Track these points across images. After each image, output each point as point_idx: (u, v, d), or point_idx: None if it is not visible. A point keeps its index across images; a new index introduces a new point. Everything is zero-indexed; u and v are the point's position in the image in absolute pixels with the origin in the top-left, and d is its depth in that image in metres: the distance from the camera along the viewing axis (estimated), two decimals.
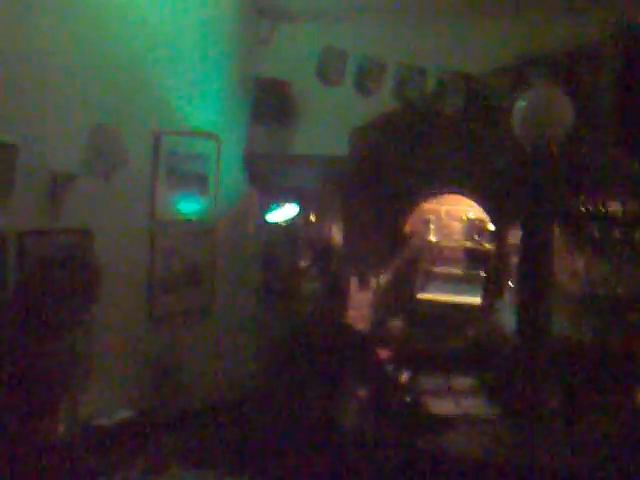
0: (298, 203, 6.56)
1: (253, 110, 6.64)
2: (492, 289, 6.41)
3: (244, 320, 6.52)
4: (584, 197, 5.86)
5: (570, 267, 6.07)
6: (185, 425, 5.36)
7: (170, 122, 5.98)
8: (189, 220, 6.17)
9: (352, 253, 6.48)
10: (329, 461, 4.66)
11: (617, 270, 5.79)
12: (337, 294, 5.00)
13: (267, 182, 6.68)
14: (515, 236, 6.25)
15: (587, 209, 5.89)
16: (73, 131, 5.13)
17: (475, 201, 6.51)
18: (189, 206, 6.16)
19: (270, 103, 6.62)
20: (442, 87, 6.09)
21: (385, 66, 6.06)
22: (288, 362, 4.99)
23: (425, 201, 6.72)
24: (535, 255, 5.53)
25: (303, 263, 6.43)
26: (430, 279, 6.79)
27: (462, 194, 6.58)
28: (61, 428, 3.96)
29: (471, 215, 6.79)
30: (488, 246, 6.64)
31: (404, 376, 5.78)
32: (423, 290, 6.75)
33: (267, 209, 6.54)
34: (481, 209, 6.54)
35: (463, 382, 5.75)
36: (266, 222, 6.55)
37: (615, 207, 5.93)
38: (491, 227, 6.59)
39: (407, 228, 6.74)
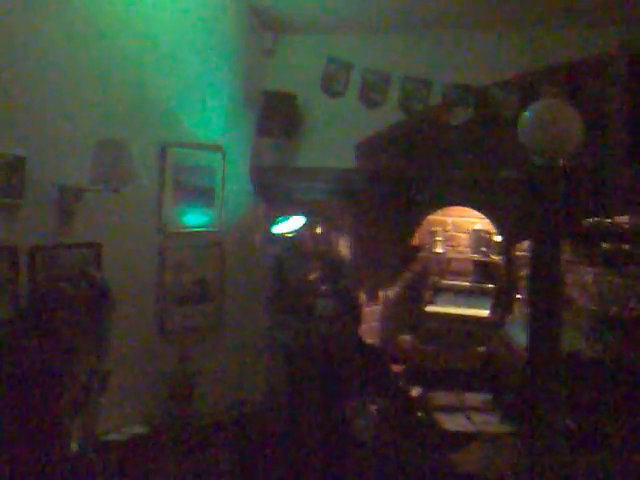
0: (305, 215, 6.53)
1: (258, 122, 6.61)
2: (501, 302, 6.40)
3: (254, 334, 6.49)
4: (594, 211, 5.85)
5: (580, 281, 6.06)
6: (198, 440, 5.32)
7: (176, 135, 5.95)
8: (197, 233, 6.15)
9: (360, 266, 6.46)
10: (342, 474, 4.63)
11: (627, 285, 5.78)
12: (352, 309, 4.97)
13: (273, 194, 6.65)
14: (523, 248, 6.26)
15: (597, 223, 5.89)
16: (81, 145, 5.11)
17: (482, 213, 6.50)
18: (196, 218, 6.13)
19: (275, 115, 6.59)
20: (448, 99, 6.07)
21: (390, 78, 6.05)
22: (301, 377, 4.97)
23: (432, 213, 6.71)
24: (544, 268, 5.51)
25: (312, 276, 6.40)
26: (439, 292, 6.77)
27: (469, 206, 6.57)
28: (75, 444, 3.92)
29: (478, 227, 6.78)
30: (496, 258, 6.63)
31: (416, 391, 5.76)
32: (432, 303, 6.74)
33: (274, 221, 6.51)
34: (488, 221, 6.53)
35: (476, 398, 5.74)
36: (273, 235, 6.51)
37: (624, 221, 5.93)
38: (498, 239, 6.58)
39: (415, 241, 6.72)
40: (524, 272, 6.22)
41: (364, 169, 6.45)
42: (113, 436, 4.86)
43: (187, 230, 6.07)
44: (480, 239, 6.76)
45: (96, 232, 5.25)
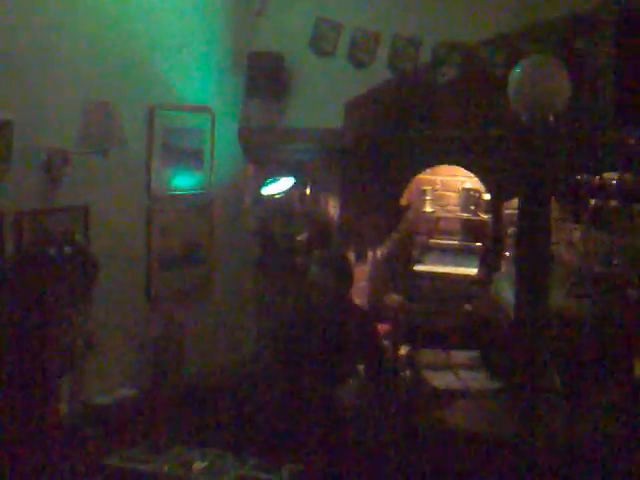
0: (294, 176, 6.53)
1: (247, 83, 6.57)
2: (489, 260, 6.42)
3: (243, 297, 6.51)
4: (582, 168, 5.86)
5: (567, 238, 6.09)
6: (186, 404, 5.36)
7: (164, 97, 5.93)
8: (185, 195, 6.14)
9: (349, 226, 6.47)
10: (330, 438, 4.67)
11: (613, 242, 5.80)
12: (342, 271, 4.98)
13: (262, 155, 6.64)
14: (511, 206, 6.27)
15: (584, 180, 5.90)
16: (68, 108, 5.10)
17: (471, 171, 6.50)
18: (185, 181, 6.12)
19: (264, 76, 6.55)
20: (436, 58, 6.05)
21: (378, 37, 6.03)
22: (289, 339, 4.99)
23: (421, 172, 6.71)
24: (532, 226, 5.52)
25: (300, 237, 6.42)
26: (427, 251, 6.80)
27: (458, 165, 6.57)
28: (64, 408, 3.95)
29: (467, 185, 6.79)
30: (485, 216, 6.65)
31: (403, 350, 5.80)
32: (420, 262, 6.76)
33: (262, 183, 6.51)
34: (477, 179, 6.53)
35: (463, 356, 5.77)
36: (262, 196, 6.51)
37: (612, 178, 5.94)
38: (487, 197, 6.59)
39: (403, 200, 6.73)
40: (512, 230, 6.24)
41: (352, 129, 6.43)
42: (101, 399, 4.89)
43: (175, 193, 6.07)
44: (469, 198, 6.77)
45: (83, 196, 5.25)
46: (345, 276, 5.01)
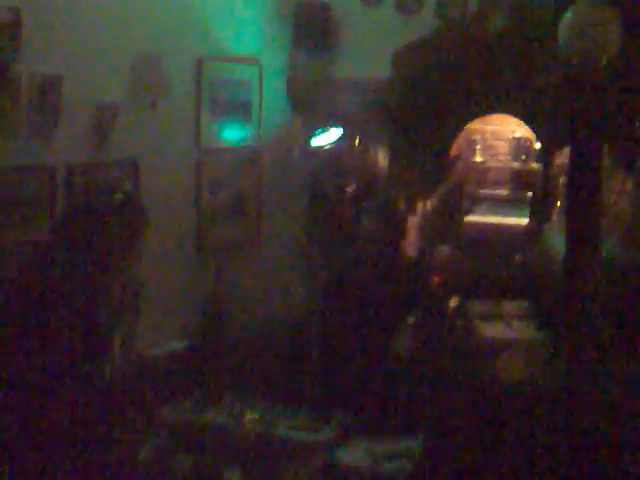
0: (342, 127, 6.50)
1: (294, 34, 6.55)
2: (540, 210, 6.36)
3: (293, 249, 6.53)
4: (634, 115, 5.75)
5: (619, 187, 6.00)
6: (237, 355, 5.41)
7: (212, 48, 5.93)
8: (234, 148, 6.16)
9: (398, 177, 6.44)
10: (383, 390, 4.69)
11: None
12: (393, 220, 4.97)
13: (310, 107, 6.62)
14: (563, 155, 6.19)
15: (637, 128, 5.79)
16: (117, 62, 5.12)
17: (522, 120, 6.42)
18: (234, 133, 6.14)
19: (311, 26, 6.53)
20: (485, 5, 5.96)
21: None
22: (339, 290, 5.00)
23: (471, 122, 6.64)
24: (584, 175, 5.45)
25: (350, 189, 6.40)
26: (477, 202, 6.75)
27: (508, 113, 6.49)
28: (117, 360, 4.00)
29: (518, 135, 6.71)
30: (535, 166, 6.57)
31: (454, 301, 5.79)
32: (470, 213, 6.72)
33: (311, 134, 6.49)
34: (528, 128, 6.45)
35: (513, 305, 5.75)
36: (311, 148, 6.50)
37: None
38: (538, 146, 6.51)
39: (453, 150, 6.67)
40: (563, 180, 6.16)
41: (400, 78, 6.38)
42: (152, 351, 4.96)
43: (224, 145, 6.09)
44: (520, 147, 6.70)
45: (133, 149, 5.28)
46: (396, 225, 5.00)
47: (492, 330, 5.43)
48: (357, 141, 6.55)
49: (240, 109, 6.22)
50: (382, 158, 6.51)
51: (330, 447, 4.18)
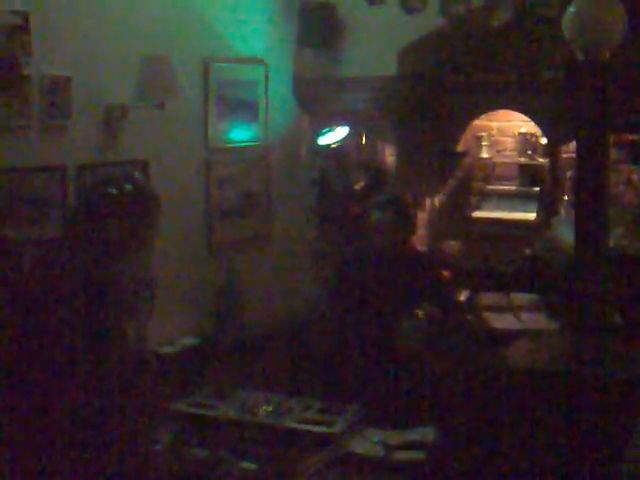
0: (349, 125, 6.54)
1: (299, 33, 6.59)
2: (547, 204, 6.39)
3: (301, 246, 6.57)
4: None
5: (626, 179, 6.03)
6: (248, 350, 5.45)
7: (218, 49, 5.98)
8: (242, 147, 6.20)
9: (405, 174, 6.48)
10: (392, 381, 4.71)
11: None
12: (403, 213, 4.99)
13: (317, 106, 6.66)
14: (569, 149, 6.22)
15: None
16: (124, 62, 5.17)
17: (527, 115, 6.45)
18: (241, 133, 6.19)
19: (316, 26, 6.56)
20: (489, 1, 5.99)
21: None
22: (349, 285, 5.02)
23: (477, 118, 6.67)
24: (590, 167, 5.48)
25: (358, 186, 6.44)
26: (484, 197, 6.77)
27: (514, 109, 6.52)
28: (129, 355, 4.01)
29: (523, 130, 6.73)
30: (542, 161, 6.60)
31: (464, 295, 5.82)
32: (478, 208, 6.75)
33: (318, 133, 6.53)
34: (533, 123, 6.48)
35: (523, 298, 5.78)
36: (318, 146, 6.54)
37: None
38: (544, 141, 6.54)
39: (459, 147, 6.70)
40: (570, 174, 6.19)
41: (407, 76, 6.42)
42: (165, 348, 4.99)
43: (232, 145, 6.14)
44: (526, 142, 6.71)
45: (142, 149, 5.33)
46: (407, 218, 5.02)
47: (501, 322, 5.47)
48: (364, 139, 6.59)
49: (247, 109, 6.26)
50: (389, 155, 6.55)
51: (343, 439, 4.20)
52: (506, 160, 6.83)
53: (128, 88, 5.17)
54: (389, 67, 6.39)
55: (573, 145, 5.91)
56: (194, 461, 4.02)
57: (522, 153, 6.74)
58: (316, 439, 4.18)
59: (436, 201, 6.65)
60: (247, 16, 6.24)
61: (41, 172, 4.74)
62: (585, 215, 5.38)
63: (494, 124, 6.89)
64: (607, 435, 4.02)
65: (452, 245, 6.43)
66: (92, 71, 5.00)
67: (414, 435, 4.18)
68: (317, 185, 6.56)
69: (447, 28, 6.23)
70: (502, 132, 6.90)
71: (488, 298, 5.80)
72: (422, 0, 6.11)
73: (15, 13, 4.58)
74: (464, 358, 4.87)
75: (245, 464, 3.98)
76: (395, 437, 4.16)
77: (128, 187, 3.76)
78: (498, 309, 5.67)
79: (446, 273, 5.86)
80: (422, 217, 6.39)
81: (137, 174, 4.31)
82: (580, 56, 5.27)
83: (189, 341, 5.30)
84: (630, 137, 6.01)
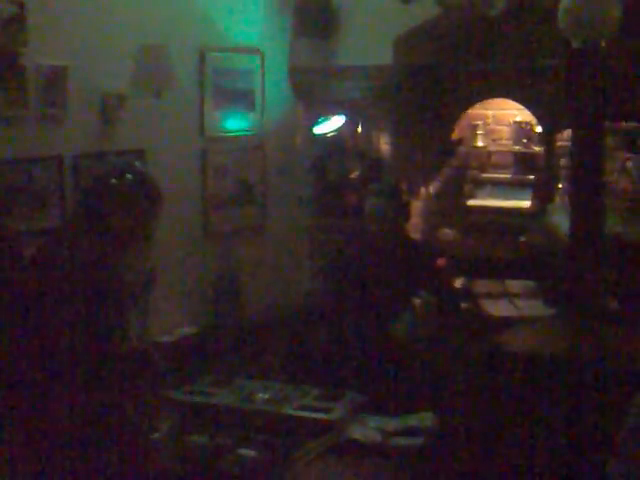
0: (345, 114, 6.55)
1: (295, 22, 6.59)
2: (542, 192, 6.41)
3: (298, 235, 6.59)
4: (635, 95, 5.79)
5: (621, 166, 6.05)
6: (246, 339, 5.48)
7: (213, 38, 5.98)
8: (238, 136, 6.22)
9: (401, 162, 6.49)
10: (388, 370, 4.73)
11: None
12: (399, 206, 5.00)
13: (312, 95, 6.67)
14: (564, 137, 6.24)
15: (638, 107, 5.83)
16: (121, 52, 5.17)
17: (522, 104, 6.47)
18: (237, 122, 6.20)
19: (312, 14, 6.57)
20: None
21: None
22: (345, 273, 5.04)
23: (472, 107, 6.68)
24: (586, 155, 5.51)
25: (353, 175, 6.46)
26: (480, 185, 6.79)
27: (509, 97, 6.54)
28: (132, 343, 4.02)
29: (519, 119, 6.75)
30: (537, 149, 6.62)
31: (460, 282, 5.85)
32: (473, 197, 6.77)
33: (314, 122, 6.55)
34: (529, 112, 6.49)
35: (519, 285, 5.81)
36: (314, 135, 6.55)
37: None
38: (539, 129, 6.55)
39: (454, 135, 6.72)
40: (565, 162, 6.22)
41: (402, 65, 6.43)
42: (163, 337, 5.01)
43: (228, 134, 6.15)
44: (521, 131, 6.73)
45: (138, 138, 5.34)
46: (402, 206, 5.03)
47: (498, 308, 5.51)
48: (360, 127, 6.60)
49: (243, 98, 6.27)
50: (385, 144, 6.56)
51: (341, 425, 4.23)
52: (501, 148, 6.84)
53: (124, 77, 5.18)
54: (385, 56, 6.40)
55: (568, 133, 5.95)
56: (193, 449, 4.06)
57: (517, 141, 6.75)
58: (314, 426, 4.21)
59: (431, 189, 6.67)
60: (243, 5, 6.24)
61: (38, 162, 4.75)
62: (581, 202, 5.41)
63: (489, 112, 6.90)
64: (601, 424, 4.05)
65: (448, 233, 6.46)
66: (88, 61, 5.00)
67: (412, 421, 4.21)
68: (313, 174, 6.57)
69: (443, 17, 6.23)
70: (497, 121, 6.91)
71: (484, 285, 5.83)
72: None
73: (11, 3, 4.59)
74: (461, 345, 4.90)
75: (244, 451, 4.01)
76: (393, 423, 4.19)
77: (129, 177, 3.77)
78: (494, 296, 5.70)
79: (442, 261, 5.88)
80: (417, 205, 6.41)
81: (138, 164, 4.31)
82: (575, 44, 5.29)
83: (187, 330, 5.33)
84: (625, 124, 6.02)
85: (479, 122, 6.86)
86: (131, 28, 5.26)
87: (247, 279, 6.07)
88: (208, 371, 4.90)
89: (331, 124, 6.55)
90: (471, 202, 6.73)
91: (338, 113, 6.57)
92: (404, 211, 5.08)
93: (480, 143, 6.86)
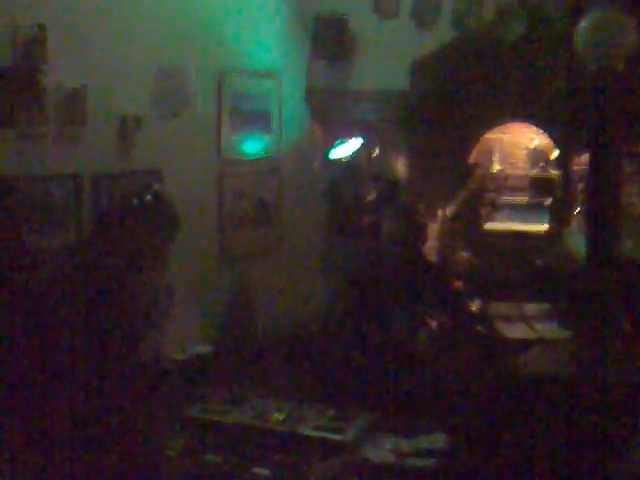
0: (362, 137, 6.57)
1: (312, 46, 6.64)
2: (559, 216, 6.40)
3: (314, 257, 6.59)
4: None
5: (638, 188, 6.04)
6: (259, 358, 5.47)
7: (232, 62, 6.02)
8: (255, 159, 6.24)
9: (417, 186, 6.50)
10: (407, 389, 4.73)
11: None
12: (416, 228, 5.02)
13: (329, 118, 6.70)
14: (581, 162, 6.24)
15: None
16: (140, 74, 5.21)
17: (539, 128, 6.48)
18: (254, 145, 6.23)
19: (329, 39, 6.61)
20: (501, 15, 6.02)
21: None
22: (361, 294, 5.05)
23: (489, 131, 6.70)
24: (603, 178, 5.51)
25: (370, 198, 6.46)
26: (496, 209, 6.79)
27: (526, 121, 6.55)
28: (147, 362, 4.03)
29: (536, 143, 6.76)
30: (554, 172, 6.63)
31: (476, 305, 5.83)
32: (490, 220, 6.77)
33: (331, 145, 6.57)
34: (546, 136, 6.51)
35: (535, 308, 5.79)
36: (330, 160, 6.57)
37: None
38: (555, 154, 6.56)
39: (471, 159, 6.73)
40: (582, 186, 6.22)
41: (419, 89, 6.46)
42: (177, 355, 5.01)
43: (245, 157, 6.17)
44: (538, 154, 6.75)
45: (156, 159, 5.37)
46: (418, 229, 5.05)
47: (514, 331, 5.48)
48: (376, 150, 6.62)
49: (260, 121, 6.30)
50: (401, 167, 6.58)
51: (356, 446, 4.22)
52: (518, 172, 6.86)
53: (143, 99, 5.22)
54: (401, 80, 6.43)
55: (585, 157, 5.96)
56: (207, 467, 4.06)
57: (534, 165, 6.77)
58: (329, 446, 4.21)
59: (448, 212, 6.67)
60: (261, 29, 6.29)
61: (56, 180, 4.78)
62: (596, 225, 5.41)
63: (506, 137, 6.92)
64: (615, 440, 4.03)
65: (465, 257, 6.45)
66: (107, 81, 5.03)
67: (425, 442, 4.21)
68: (327, 197, 6.58)
69: (459, 42, 6.27)
70: (514, 145, 6.93)
71: (500, 308, 5.82)
72: (434, 14, 6.13)
73: (33, 26, 4.64)
74: (476, 366, 4.88)
75: (258, 470, 4.01)
76: (406, 444, 4.19)
77: (149, 199, 3.81)
78: (510, 319, 5.68)
79: (458, 283, 5.89)
80: (434, 228, 6.41)
81: (157, 186, 4.36)
82: (593, 69, 5.31)
83: (201, 348, 5.32)
84: None
85: (495, 146, 6.88)
86: (150, 50, 5.29)
87: (262, 299, 6.07)
88: (221, 390, 4.90)
89: (348, 147, 6.56)
90: (488, 225, 6.73)
91: (355, 136, 6.58)
92: (421, 234, 5.09)
93: (497, 166, 6.87)
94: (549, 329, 5.51)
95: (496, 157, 6.87)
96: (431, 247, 6.18)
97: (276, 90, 6.40)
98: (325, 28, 6.61)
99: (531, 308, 5.81)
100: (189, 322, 5.41)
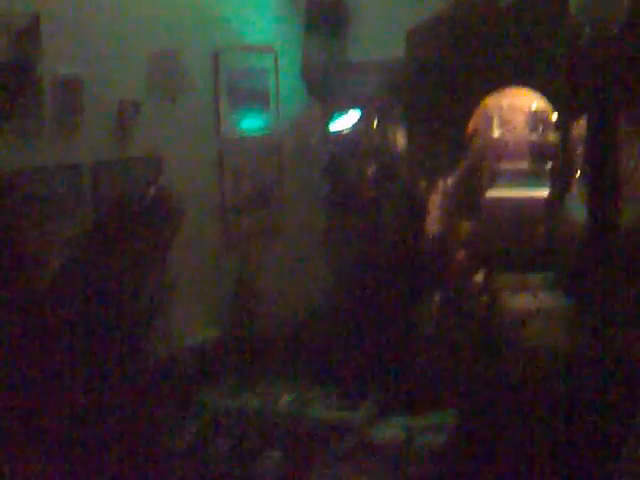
0: (360, 109, 6.55)
1: (307, 19, 6.60)
2: (560, 181, 6.38)
3: (315, 235, 6.60)
4: None
5: (638, 152, 6.02)
6: (266, 341, 5.50)
7: (227, 39, 5.99)
8: (254, 137, 6.23)
9: (417, 156, 6.49)
10: (413, 367, 4.75)
11: None
12: (416, 201, 5.02)
13: (327, 91, 6.67)
14: (580, 125, 6.21)
15: None
16: (135, 59, 5.19)
17: (538, 92, 6.44)
18: (253, 123, 6.21)
19: (323, 10, 6.58)
20: None
21: None
22: (365, 272, 5.06)
23: (487, 97, 6.67)
24: (602, 143, 5.49)
25: (370, 171, 6.46)
26: (496, 176, 6.77)
27: (524, 86, 6.51)
28: (156, 350, 4.06)
29: (534, 107, 6.71)
30: (553, 137, 6.59)
31: (479, 276, 5.83)
32: (490, 188, 6.74)
33: (330, 119, 6.55)
34: (545, 100, 6.47)
35: (538, 277, 5.79)
36: (330, 133, 6.56)
37: None
38: (556, 118, 6.53)
39: (470, 126, 6.70)
40: (582, 150, 6.18)
41: (415, 57, 6.42)
42: (185, 341, 5.05)
43: (244, 135, 6.16)
44: (536, 119, 6.70)
45: (155, 144, 5.36)
46: (418, 204, 5.05)
47: (517, 302, 5.48)
48: (375, 123, 6.60)
49: (258, 98, 6.28)
50: (401, 138, 6.56)
51: (365, 425, 4.26)
52: (517, 138, 6.80)
53: (139, 84, 5.21)
54: (397, 50, 6.39)
55: (584, 120, 5.92)
56: (218, 452, 4.10)
57: (533, 130, 6.72)
58: (338, 426, 4.25)
59: (449, 182, 6.65)
60: (254, 4, 6.25)
61: (56, 171, 4.79)
62: (596, 192, 5.39)
63: (504, 102, 6.83)
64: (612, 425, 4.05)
65: (466, 226, 6.44)
66: (103, 68, 5.02)
67: (435, 419, 4.24)
68: (327, 173, 6.57)
69: (454, 9, 6.22)
70: (512, 110, 6.85)
71: (503, 278, 5.81)
72: None
73: (25, 15, 4.62)
74: (481, 340, 4.91)
75: (269, 453, 4.06)
76: (416, 422, 4.22)
77: (152, 191, 3.81)
78: (514, 289, 5.68)
79: (461, 254, 5.89)
80: (435, 199, 6.40)
81: (160, 178, 4.37)
82: (588, 31, 5.27)
83: (209, 333, 5.36)
84: None
85: (494, 112, 6.82)
86: (144, 34, 5.28)
87: (266, 281, 6.09)
88: (231, 374, 4.94)
89: (347, 120, 6.55)
90: (488, 193, 6.71)
91: (353, 108, 6.56)
92: (422, 209, 5.09)
93: (496, 133, 6.83)
94: (553, 299, 5.51)
95: (495, 123, 6.82)
96: (434, 218, 6.18)
97: (273, 65, 6.38)
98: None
99: (535, 277, 5.80)
100: (194, 307, 5.43)
